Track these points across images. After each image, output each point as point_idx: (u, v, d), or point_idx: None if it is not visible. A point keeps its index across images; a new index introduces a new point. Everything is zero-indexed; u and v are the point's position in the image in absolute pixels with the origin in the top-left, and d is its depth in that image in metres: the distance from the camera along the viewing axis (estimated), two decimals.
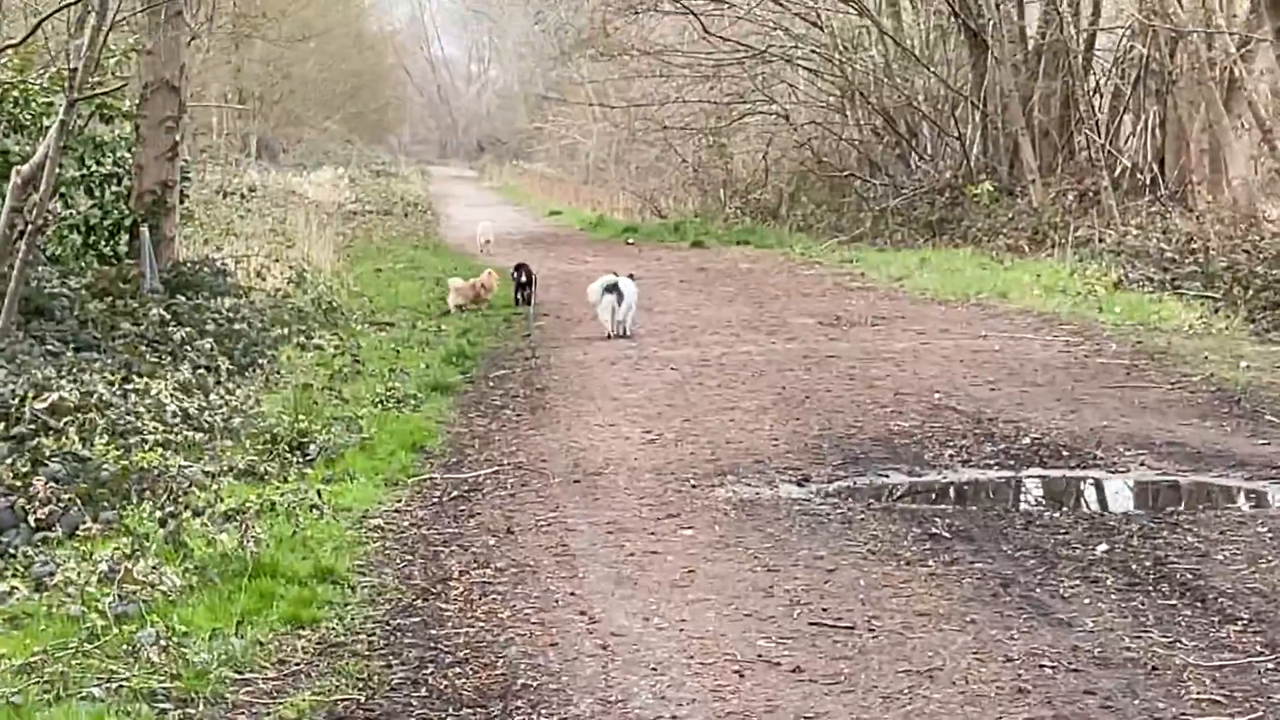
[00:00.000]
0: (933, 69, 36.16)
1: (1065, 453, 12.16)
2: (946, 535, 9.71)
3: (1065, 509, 10.59)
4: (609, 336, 19.22)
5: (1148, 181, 29.58)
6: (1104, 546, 9.30)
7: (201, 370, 15.24)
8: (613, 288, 19.32)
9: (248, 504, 10.11)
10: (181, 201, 20.90)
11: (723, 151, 44.40)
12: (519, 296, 23.03)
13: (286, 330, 18.61)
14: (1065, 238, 27.38)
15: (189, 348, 15.97)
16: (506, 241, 36.75)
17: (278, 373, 16.34)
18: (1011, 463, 11.96)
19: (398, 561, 9.50)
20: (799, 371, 16.30)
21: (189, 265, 20.10)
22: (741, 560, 9.29)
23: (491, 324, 20.86)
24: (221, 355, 16.12)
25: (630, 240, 37.07)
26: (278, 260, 23.80)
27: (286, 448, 12.21)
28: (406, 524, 10.41)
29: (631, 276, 20.00)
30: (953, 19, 35.38)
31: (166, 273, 19.06)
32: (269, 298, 20.68)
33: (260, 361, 16.60)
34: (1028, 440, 12.57)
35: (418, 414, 14.14)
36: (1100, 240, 26.30)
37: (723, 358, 17.35)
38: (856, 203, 36.69)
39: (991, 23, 32.24)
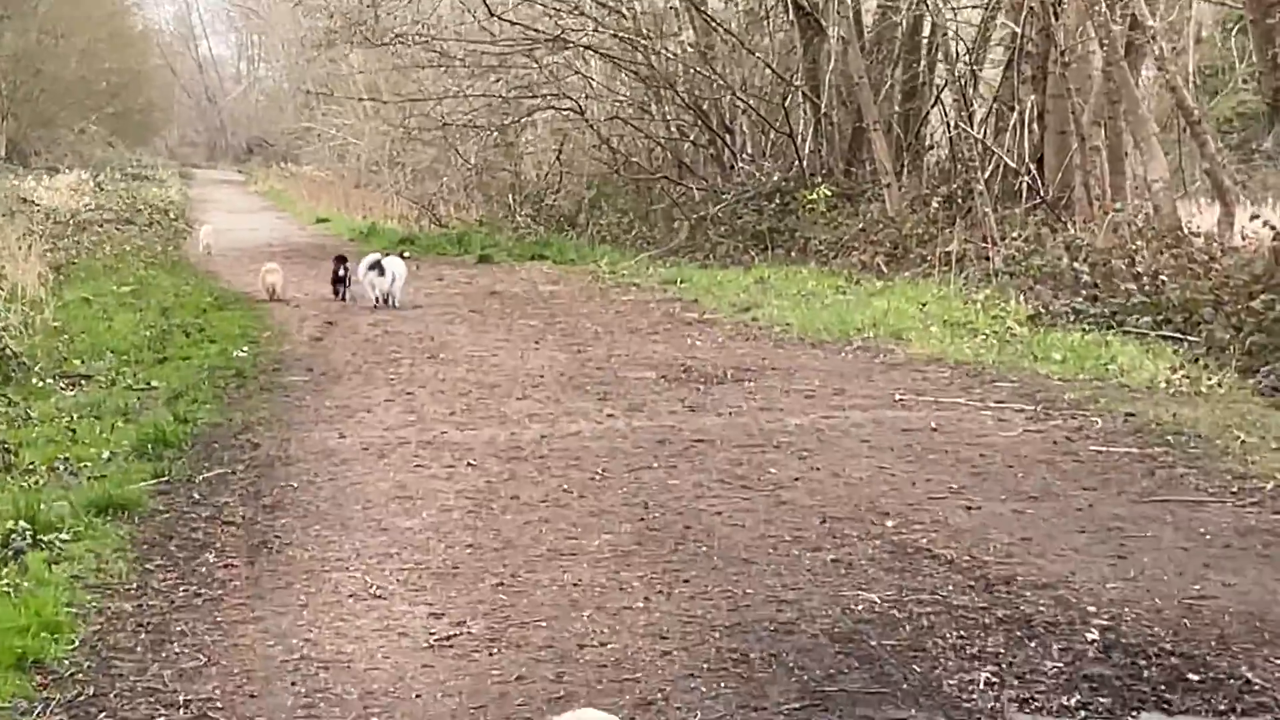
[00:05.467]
0: (757, 54, 31.14)
1: (1183, 667, 6.78)
2: None
3: None
4: (374, 306, 21.00)
5: (1024, 186, 24.82)
6: None
7: None
8: (375, 264, 21.28)
9: None
10: None
11: (510, 152, 39.21)
12: (337, 290, 22.52)
13: None
14: (932, 254, 22.59)
15: None
16: (264, 253, 31.25)
17: None
18: (1105, 696, 6.46)
19: None
20: (660, 470, 10.85)
21: None
22: None
23: (225, 371, 15.17)
24: None
25: (407, 254, 31.44)
26: None
27: None
28: None
29: (403, 255, 22.82)
30: None
31: None
32: None
33: None
34: (1092, 635, 7.19)
35: (54, 574, 8.30)
36: (983, 258, 21.47)
37: (543, 444, 11.85)
38: (669, 210, 31.57)
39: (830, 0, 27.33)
